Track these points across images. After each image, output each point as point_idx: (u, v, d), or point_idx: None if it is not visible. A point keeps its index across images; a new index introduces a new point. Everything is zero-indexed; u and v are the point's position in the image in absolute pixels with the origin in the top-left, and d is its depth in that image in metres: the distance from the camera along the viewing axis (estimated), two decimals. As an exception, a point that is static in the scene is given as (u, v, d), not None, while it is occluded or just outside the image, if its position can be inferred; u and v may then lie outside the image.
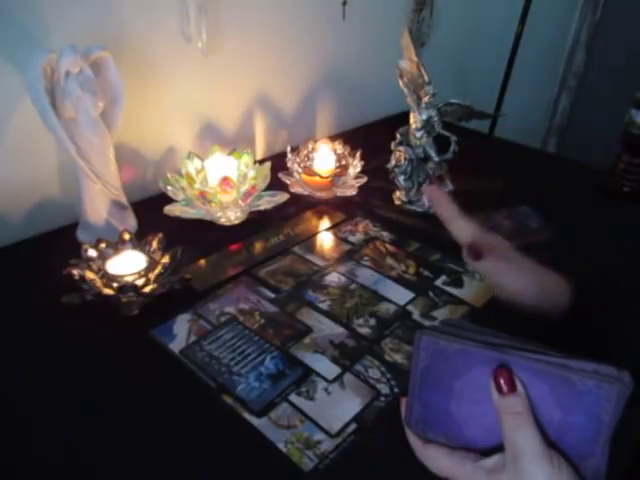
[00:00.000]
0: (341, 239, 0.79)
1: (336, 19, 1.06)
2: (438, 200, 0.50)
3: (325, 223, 0.83)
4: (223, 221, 0.78)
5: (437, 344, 0.36)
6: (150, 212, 0.79)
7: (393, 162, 0.85)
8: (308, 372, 0.56)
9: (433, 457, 0.37)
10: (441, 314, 0.64)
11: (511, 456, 0.33)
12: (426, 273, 0.71)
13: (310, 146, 0.92)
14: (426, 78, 0.79)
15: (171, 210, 0.79)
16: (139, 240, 0.66)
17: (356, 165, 0.89)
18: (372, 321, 0.63)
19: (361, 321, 0.63)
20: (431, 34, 1.29)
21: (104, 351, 0.57)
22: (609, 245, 0.76)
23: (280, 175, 0.90)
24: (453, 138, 0.81)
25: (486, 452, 0.35)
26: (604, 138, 1.28)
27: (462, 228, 0.49)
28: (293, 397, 0.53)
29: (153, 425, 0.50)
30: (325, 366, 0.56)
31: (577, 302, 0.50)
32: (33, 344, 0.58)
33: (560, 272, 0.51)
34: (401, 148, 0.84)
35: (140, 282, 0.61)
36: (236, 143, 0.98)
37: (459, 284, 0.69)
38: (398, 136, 0.85)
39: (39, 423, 0.49)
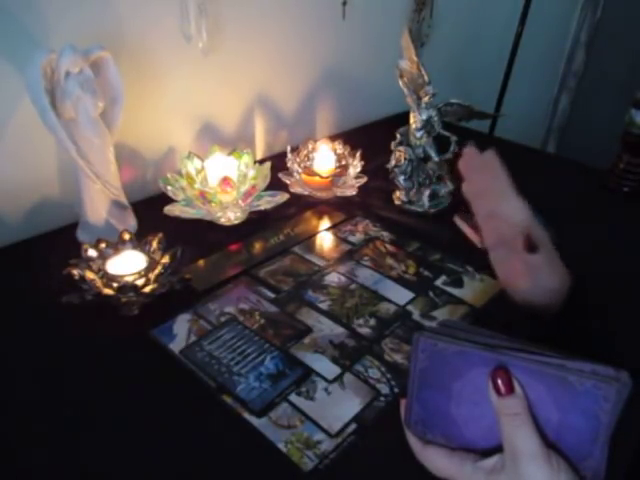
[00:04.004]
0: (341, 239, 0.79)
1: (336, 19, 1.06)
2: (491, 167, 0.43)
3: (325, 223, 0.83)
4: (223, 221, 0.78)
5: (435, 345, 0.36)
6: (150, 212, 0.79)
7: (393, 162, 0.85)
8: (308, 372, 0.56)
9: (433, 458, 0.37)
10: (441, 314, 0.64)
11: (510, 457, 0.33)
12: (426, 273, 0.71)
13: (310, 146, 0.92)
14: (426, 78, 0.79)
15: (171, 210, 0.79)
16: (139, 240, 0.66)
17: (356, 165, 0.89)
18: (372, 321, 0.63)
19: (361, 321, 0.63)
20: (431, 34, 1.29)
21: (104, 351, 0.57)
22: (609, 245, 0.76)
23: (280, 175, 0.90)
24: (453, 138, 0.81)
25: (485, 453, 0.35)
26: (604, 138, 1.28)
27: (517, 209, 0.44)
28: (293, 397, 0.53)
29: (153, 425, 0.50)
30: (325, 366, 0.56)
31: (576, 301, 0.50)
32: (33, 344, 0.58)
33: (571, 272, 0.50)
34: (401, 148, 0.84)
35: (140, 282, 0.61)
36: (236, 143, 0.98)
37: (459, 284, 0.69)
38: (398, 136, 0.85)
39: (38, 423, 0.50)
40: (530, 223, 0.45)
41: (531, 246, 0.45)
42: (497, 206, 0.45)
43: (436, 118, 0.80)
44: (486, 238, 0.49)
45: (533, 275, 0.46)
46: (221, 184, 0.76)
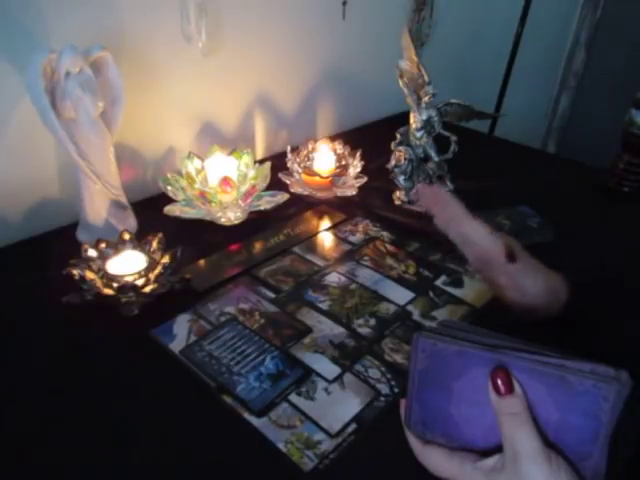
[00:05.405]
0: (341, 239, 0.79)
1: (336, 19, 1.07)
2: (442, 199, 0.49)
3: (325, 223, 0.83)
4: (223, 221, 0.78)
5: (435, 346, 0.36)
6: (150, 212, 0.79)
7: (393, 162, 0.85)
8: (308, 372, 0.56)
9: (432, 458, 0.37)
10: (441, 314, 0.64)
11: (510, 457, 0.33)
12: (426, 273, 0.71)
13: (310, 146, 0.92)
14: (426, 78, 0.79)
15: (171, 210, 0.79)
16: (139, 240, 0.66)
17: (356, 165, 0.89)
18: (372, 321, 0.63)
19: (361, 321, 0.63)
20: (431, 34, 1.29)
21: (104, 351, 0.57)
22: (609, 245, 0.76)
23: (280, 175, 0.90)
24: (453, 138, 0.81)
25: (486, 453, 0.35)
26: (604, 138, 1.28)
27: (476, 229, 0.48)
28: (293, 397, 0.53)
29: (153, 425, 0.50)
30: (325, 366, 0.56)
31: (577, 302, 0.50)
32: (33, 344, 0.58)
33: (558, 271, 0.51)
34: (401, 148, 0.84)
35: (140, 282, 0.61)
36: (236, 143, 0.98)
37: (459, 284, 0.69)
38: (398, 136, 0.86)
39: (38, 423, 0.50)
40: (501, 238, 0.48)
41: (511, 256, 0.48)
42: (463, 231, 0.49)
43: (436, 118, 0.80)
44: (471, 262, 0.52)
45: (517, 284, 0.48)
46: (221, 184, 0.76)
